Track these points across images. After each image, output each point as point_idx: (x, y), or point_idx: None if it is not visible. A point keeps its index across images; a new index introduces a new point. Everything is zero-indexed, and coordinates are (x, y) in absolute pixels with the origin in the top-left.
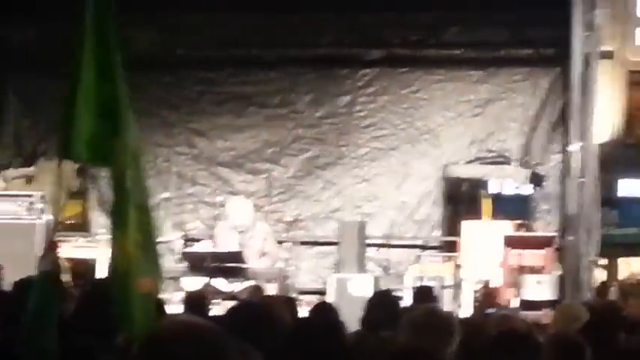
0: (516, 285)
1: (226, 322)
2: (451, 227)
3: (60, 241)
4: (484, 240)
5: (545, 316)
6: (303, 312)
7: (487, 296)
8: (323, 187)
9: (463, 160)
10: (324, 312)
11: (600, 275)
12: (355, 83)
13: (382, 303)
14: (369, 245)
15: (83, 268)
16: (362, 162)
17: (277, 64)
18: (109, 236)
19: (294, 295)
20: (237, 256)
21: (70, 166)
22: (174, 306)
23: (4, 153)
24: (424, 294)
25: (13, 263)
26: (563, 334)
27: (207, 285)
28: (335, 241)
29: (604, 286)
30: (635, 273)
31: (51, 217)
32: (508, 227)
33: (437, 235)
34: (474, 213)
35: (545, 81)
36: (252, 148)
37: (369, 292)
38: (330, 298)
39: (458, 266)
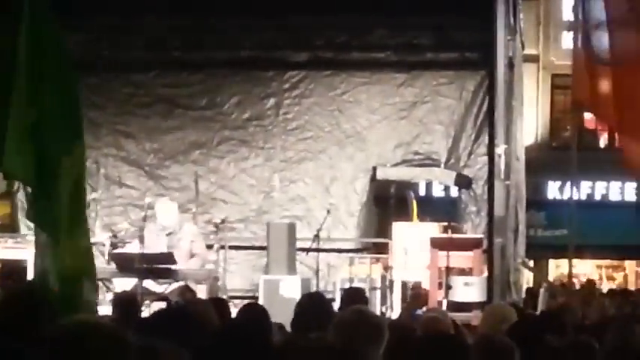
0: (445, 287)
1: (154, 324)
2: (380, 229)
3: None
4: (414, 242)
5: (474, 317)
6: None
7: (416, 298)
8: (251, 189)
9: (390, 162)
10: (252, 312)
11: (528, 277)
12: (281, 85)
13: (312, 305)
14: (300, 249)
15: (12, 268)
16: (289, 164)
17: (203, 66)
18: (35, 238)
19: (224, 297)
20: (167, 257)
21: None
22: (105, 307)
23: None
24: (354, 295)
25: None
26: (491, 336)
27: (138, 286)
28: (263, 245)
29: (533, 288)
30: (564, 274)
31: None
32: (436, 229)
33: (366, 237)
34: (403, 215)
35: (470, 84)
36: (179, 149)
37: (299, 294)
38: (260, 300)
39: (388, 268)
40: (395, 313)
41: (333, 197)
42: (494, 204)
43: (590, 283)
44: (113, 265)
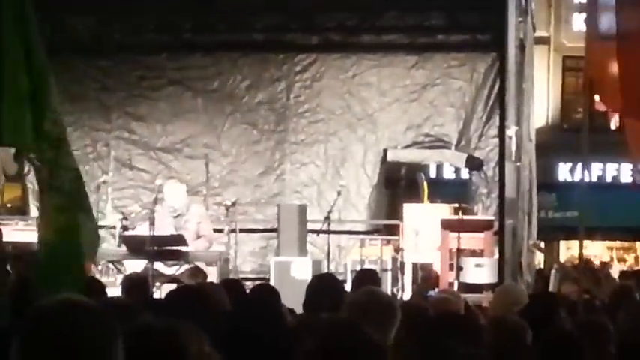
0: (455, 268)
1: (166, 305)
2: (390, 211)
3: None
4: (425, 223)
5: (485, 298)
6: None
7: (427, 279)
8: (262, 172)
9: (401, 144)
10: (263, 292)
11: (539, 258)
12: (292, 68)
13: (324, 286)
14: (310, 231)
15: (22, 251)
16: (301, 147)
17: (214, 49)
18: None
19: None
20: (178, 239)
21: (7, 151)
22: (116, 289)
23: None
24: (366, 277)
25: None
26: (503, 316)
27: (149, 268)
28: (274, 227)
29: (544, 269)
30: (575, 256)
31: None
32: (447, 211)
33: (377, 219)
34: (414, 197)
35: (481, 66)
36: (190, 132)
37: (310, 276)
38: (271, 282)
39: (399, 249)
40: (406, 294)
41: (343, 179)
42: (506, 186)
43: (602, 264)
44: (124, 247)
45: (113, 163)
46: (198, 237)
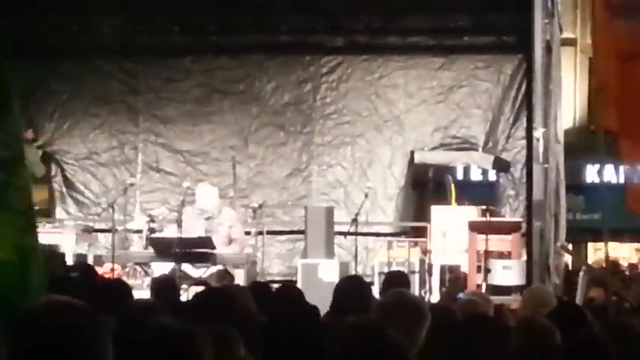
0: (483, 270)
1: (192, 307)
2: (418, 213)
3: None
4: (452, 225)
5: (513, 301)
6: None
7: (455, 281)
8: (289, 173)
9: (428, 146)
10: (290, 292)
11: (567, 260)
12: (318, 70)
13: (352, 288)
14: (338, 233)
15: (50, 253)
16: (327, 149)
17: (240, 52)
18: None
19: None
20: (205, 242)
21: (33, 153)
22: (144, 291)
23: None
24: (396, 279)
25: None
26: (532, 318)
27: (176, 270)
28: (301, 229)
29: (572, 272)
30: (603, 258)
31: None
32: (475, 213)
33: (404, 221)
34: (441, 199)
35: (507, 68)
36: (217, 135)
37: (337, 278)
38: (298, 284)
39: (427, 251)
40: (434, 297)
41: (370, 181)
42: (533, 188)
43: (630, 266)
44: (151, 250)
45: (141, 165)
46: (230, 241)
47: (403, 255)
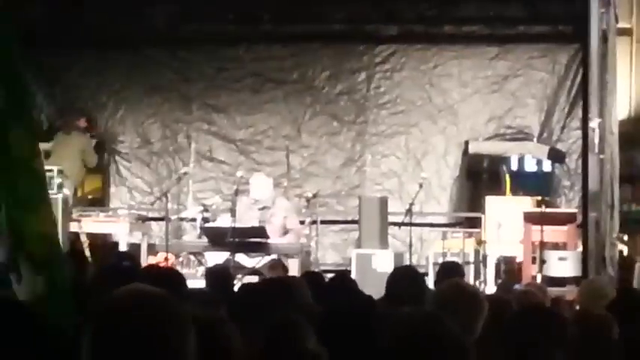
0: (539, 261)
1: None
2: (472, 203)
3: (80, 216)
4: (507, 216)
5: (569, 292)
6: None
7: (511, 272)
8: (343, 163)
9: (482, 136)
10: (344, 282)
11: (623, 251)
12: (372, 59)
13: (406, 278)
14: (392, 224)
15: (103, 242)
16: (381, 138)
17: (294, 40)
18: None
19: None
20: (259, 231)
21: (88, 142)
22: (197, 281)
23: None
24: (451, 269)
25: None
26: (589, 310)
27: (230, 260)
28: (355, 219)
29: (628, 263)
30: None
31: (69, 191)
32: (530, 203)
33: (459, 212)
34: (496, 189)
35: (563, 57)
36: (270, 124)
37: (391, 268)
38: (352, 274)
39: (481, 242)
40: (489, 287)
41: (425, 171)
42: (589, 178)
43: None
44: (204, 239)
45: (194, 154)
46: (285, 231)
47: (458, 246)
